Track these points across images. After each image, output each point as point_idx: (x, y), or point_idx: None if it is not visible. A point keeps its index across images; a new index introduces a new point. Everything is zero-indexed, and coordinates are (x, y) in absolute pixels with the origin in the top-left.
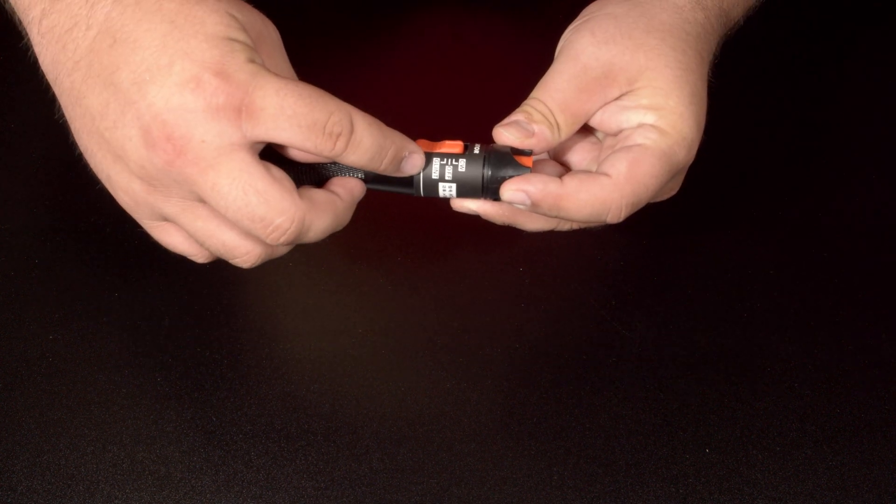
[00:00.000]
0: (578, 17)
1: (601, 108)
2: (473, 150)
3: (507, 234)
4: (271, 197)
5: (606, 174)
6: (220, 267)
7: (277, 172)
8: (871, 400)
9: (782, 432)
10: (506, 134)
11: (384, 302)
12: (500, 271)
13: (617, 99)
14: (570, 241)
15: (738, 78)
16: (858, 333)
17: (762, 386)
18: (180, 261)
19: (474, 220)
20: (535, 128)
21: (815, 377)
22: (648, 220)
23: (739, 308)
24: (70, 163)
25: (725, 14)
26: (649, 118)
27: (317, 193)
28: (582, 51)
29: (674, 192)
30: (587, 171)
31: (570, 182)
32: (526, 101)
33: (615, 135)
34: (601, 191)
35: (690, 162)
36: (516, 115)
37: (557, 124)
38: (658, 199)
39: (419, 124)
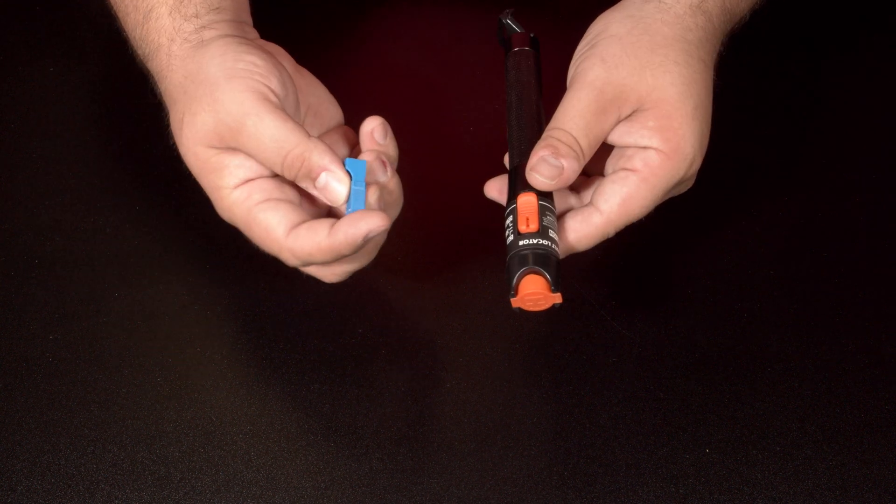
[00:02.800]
0: (584, 42)
1: (614, 126)
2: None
3: None
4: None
5: (599, 210)
6: (219, 267)
7: (272, 217)
8: (871, 400)
9: (782, 432)
10: (539, 178)
11: (384, 302)
12: (500, 271)
13: (628, 117)
14: None
15: (738, 79)
16: (858, 333)
17: (762, 386)
18: (180, 261)
19: (474, 220)
20: (564, 163)
21: (815, 377)
22: (649, 220)
23: (739, 308)
24: (70, 163)
25: (729, 12)
26: (654, 142)
27: (301, 233)
28: (597, 77)
29: (689, 187)
30: (581, 213)
31: (570, 236)
32: (548, 132)
33: (622, 147)
34: (595, 230)
35: (696, 169)
36: (542, 150)
37: (582, 151)
38: (673, 195)
39: (417, 122)
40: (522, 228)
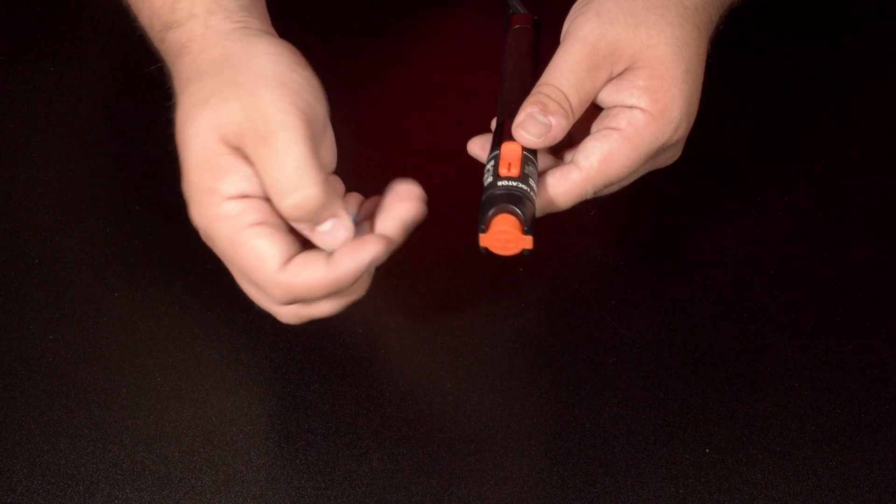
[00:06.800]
0: None
1: (605, 84)
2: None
3: None
4: (241, 265)
5: (578, 167)
6: (220, 267)
7: (265, 246)
8: (871, 400)
9: (782, 432)
10: (526, 136)
11: (384, 302)
12: (499, 271)
13: (618, 75)
14: (571, 241)
15: (741, 78)
16: (858, 333)
17: (762, 386)
18: (180, 261)
19: (475, 220)
20: (552, 121)
21: (815, 377)
22: (649, 219)
23: (739, 308)
24: (70, 163)
25: None
26: (642, 102)
27: (301, 267)
28: (590, 32)
29: (675, 159)
30: (560, 169)
31: (548, 192)
32: (538, 88)
33: (609, 107)
34: (573, 187)
35: (683, 136)
36: (530, 107)
37: (572, 109)
38: (658, 167)
39: (418, 122)
40: (503, 172)
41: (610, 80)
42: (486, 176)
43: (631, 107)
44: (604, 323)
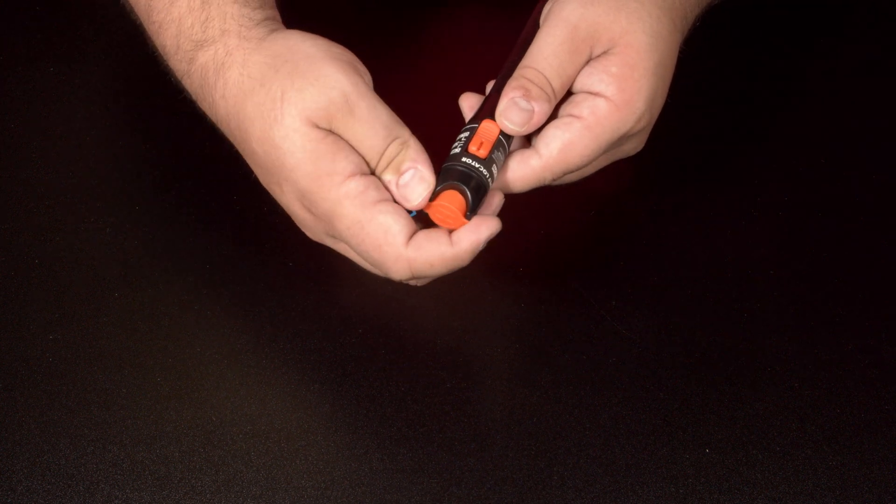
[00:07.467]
0: None
1: (584, 66)
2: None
3: (507, 234)
4: (370, 243)
5: (538, 153)
6: (218, 267)
7: (393, 222)
8: (871, 400)
9: (782, 432)
10: (510, 125)
11: (384, 302)
12: (499, 271)
13: (594, 59)
14: (570, 241)
15: (743, 77)
16: (858, 333)
17: (762, 386)
18: (180, 261)
19: None
20: (535, 107)
21: (815, 377)
22: (649, 219)
23: (739, 308)
24: (70, 163)
25: None
26: (610, 90)
27: (426, 241)
28: (572, 12)
29: (639, 149)
30: (521, 154)
31: (506, 175)
32: (520, 72)
33: (575, 92)
34: (532, 173)
35: (645, 127)
36: (513, 91)
37: (554, 92)
38: (620, 158)
39: (421, 124)
40: (472, 149)
41: (589, 61)
42: (455, 144)
43: (596, 94)
44: (604, 323)
